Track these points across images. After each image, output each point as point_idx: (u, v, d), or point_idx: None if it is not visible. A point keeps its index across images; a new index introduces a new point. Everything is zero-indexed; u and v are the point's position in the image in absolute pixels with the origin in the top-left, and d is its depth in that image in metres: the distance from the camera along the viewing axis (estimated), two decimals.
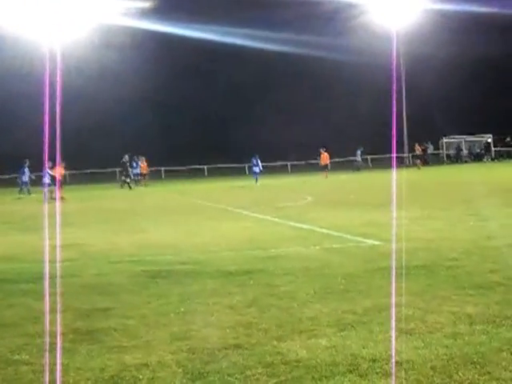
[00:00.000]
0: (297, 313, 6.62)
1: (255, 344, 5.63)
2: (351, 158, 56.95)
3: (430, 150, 62.32)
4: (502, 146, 62.46)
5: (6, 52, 51.30)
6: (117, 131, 61.14)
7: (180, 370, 5.07)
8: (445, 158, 62.77)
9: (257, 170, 40.88)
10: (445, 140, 63.81)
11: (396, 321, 5.92)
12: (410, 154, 61.67)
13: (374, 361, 5.06)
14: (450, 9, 53.95)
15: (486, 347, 5.27)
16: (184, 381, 4.87)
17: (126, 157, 43.73)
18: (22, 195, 36.61)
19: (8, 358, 5.57)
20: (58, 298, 7.14)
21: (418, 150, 58.03)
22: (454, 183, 30.17)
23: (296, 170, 59.07)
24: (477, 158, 61.70)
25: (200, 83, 65.50)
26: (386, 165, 50.05)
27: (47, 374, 5.05)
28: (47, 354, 5.46)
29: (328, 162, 45.92)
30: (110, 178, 52.26)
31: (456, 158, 62.35)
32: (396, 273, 7.76)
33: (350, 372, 4.87)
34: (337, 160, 54.04)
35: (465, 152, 63.38)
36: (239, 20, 55.30)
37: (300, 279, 8.35)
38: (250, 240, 12.57)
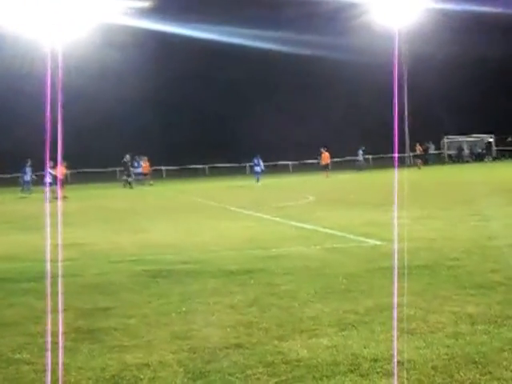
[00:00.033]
0: (298, 312, 6.61)
1: (256, 343, 5.63)
2: (352, 158, 56.94)
3: (432, 149, 62.30)
4: (503, 146, 62.44)
5: (6, 51, 51.31)
6: (118, 131, 61.20)
7: (181, 370, 5.06)
8: (446, 158, 62.76)
9: (258, 169, 40.97)
10: (446, 140, 63.80)
11: (397, 320, 5.91)
12: (411, 154, 61.66)
13: (375, 360, 5.06)
14: (452, 8, 53.92)
15: (487, 347, 5.27)
16: (185, 380, 4.87)
17: (127, 156, 43.77)
18: (23, 194, 36.64)
19: (9, 357, 5.57)
20: (59, 298, 7.13)
21: (419, 149, 58.01)
22: (455, 183, 30.15)
23: (297, 169, 59.06)
24: (478, 157, 61.67)
25: (201, 83, 65.53)
26: (387, 164, 50.00)
27: (48, 373, 5.04)
28: (48, 353, 5.45)
29: (329, 161, 45.97)
30: (111, 178, 52.29)
31: (457, 158, 62.34)
32: (397, 272, 7.75)
33: (351, 372, 4.87)
34: (337, 160, 54.03)
35: (466, 152, 63.36)
36: (240, 19, 55.36)
37: (301, 279, 8.34)
38: (251, 239, 12.57)
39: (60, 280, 8.11)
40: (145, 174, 46.49)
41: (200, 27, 56.17)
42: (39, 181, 36.08)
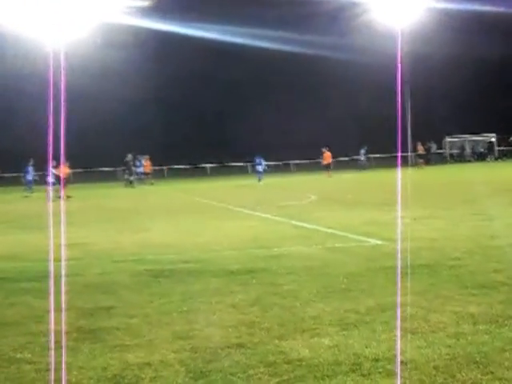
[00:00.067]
0: (299, 312, 6.61)
1: (258, 343, 5.63)
2: (354, 157, 56.90)
3: (434, 149, 62.25)
4: (505, 146, 62.38)
5: (8, 50, 51.35)
6: (119, 130, 61.21)
7: (182, 369, 5.06)
8: (448, 158, 62.70)
9: (260, 169, 41.02)
10: (448, 139, 63.73)
11: (399, 320, 5.91)
12: (413, 154, 61.59)
13: (376, 360, 5.05)
14: (454, 8, 53.83)
15: (488, 347, 5.26)
16: (186, 380, 4.87)
17: (130, 156, 43.80)
18: (26, 194, 36.67)
19: (10, 356, 5.58)
20: (61, 297, 7.14)
21: (421, 149, 57.96)
22: (457, 182, 30.13)
23: (299, 169, 59.05)
24: (480, 157, 61.60)
25: (202, 82, 65.55)
26: (389, 164, 49.97)
27: (50, 372, 5.05)
28: (50, 352, 5.45)
29: (330, 161, 45.95)
30: (113, 177, 52.31)
31: (459, 158, 62.29)
32: (399, 272, 7.75)
33: (353, 371, 4.87)
34: (340, 159, 54.01)
35: (468, 151, 63.29)
36: (241, 19, 55.32)
37: (303, 278, 8.34)
38: (253, 239, 12.57)
39: (62, 279, 8.11)
40: (146, 174, 46.51)
41: (201, 27, 56.18)
42: (42, 180, 36.12)
